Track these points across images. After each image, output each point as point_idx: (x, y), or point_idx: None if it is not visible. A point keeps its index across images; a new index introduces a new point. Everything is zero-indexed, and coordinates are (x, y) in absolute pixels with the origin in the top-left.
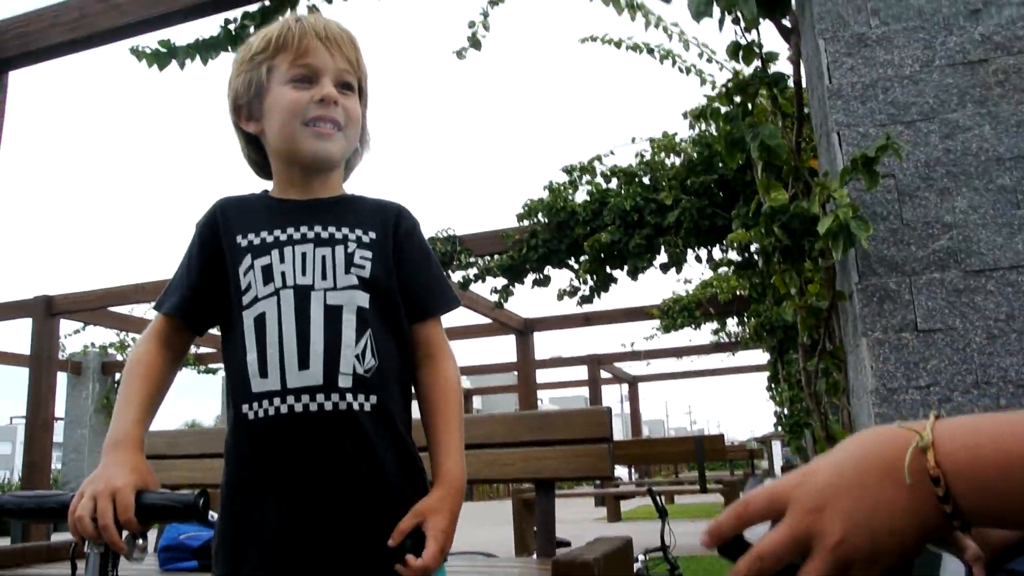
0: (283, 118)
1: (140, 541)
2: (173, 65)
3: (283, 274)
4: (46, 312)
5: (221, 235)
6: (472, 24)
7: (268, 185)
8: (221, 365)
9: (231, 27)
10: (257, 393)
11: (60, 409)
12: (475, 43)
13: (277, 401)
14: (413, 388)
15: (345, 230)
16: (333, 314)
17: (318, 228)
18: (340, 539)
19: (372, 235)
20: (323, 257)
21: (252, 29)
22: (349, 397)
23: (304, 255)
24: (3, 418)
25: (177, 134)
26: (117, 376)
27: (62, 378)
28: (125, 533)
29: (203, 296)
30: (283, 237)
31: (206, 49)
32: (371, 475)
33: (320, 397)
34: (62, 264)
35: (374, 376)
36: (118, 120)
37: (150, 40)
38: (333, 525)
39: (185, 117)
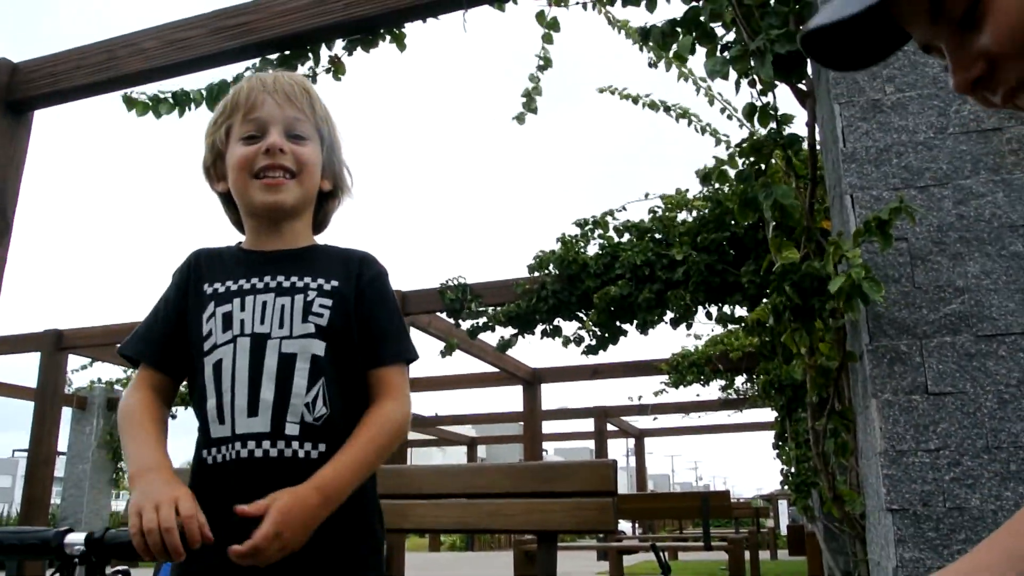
0: (235, 174)
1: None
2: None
3: (242, 322)
4: (55, 346)
5: (192, 282)
6: (526, 93)
7: (243, 238)
8: None
9: (247, 73)
10: (215, 439)
11: (63, 444)
12: (532, 108)
13: (228, 447)
14: None
15: (307, 279)
16: (286, 362)
17: (280, 278)
18: None
19: (334, 283)
20: (282, 306)
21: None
22: (295, 445)
23: (264, 304)
24: (5, 451)
25: (192, 174)
26: None
27: (66, 413)
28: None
29: (174, 342)
30: (247, 286)
31: (220, 93)
32: None
33: (266, 444)
34: (73, 299)
35: (325, 424)
36: (136, 158)
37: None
38: (264, 570)
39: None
